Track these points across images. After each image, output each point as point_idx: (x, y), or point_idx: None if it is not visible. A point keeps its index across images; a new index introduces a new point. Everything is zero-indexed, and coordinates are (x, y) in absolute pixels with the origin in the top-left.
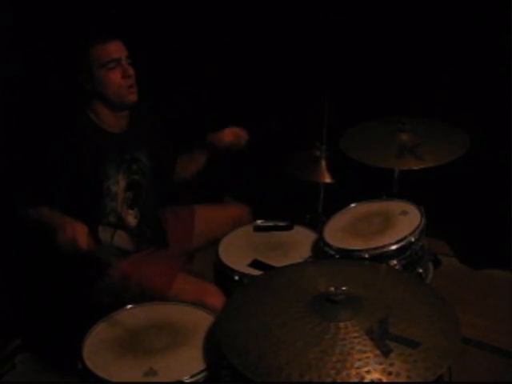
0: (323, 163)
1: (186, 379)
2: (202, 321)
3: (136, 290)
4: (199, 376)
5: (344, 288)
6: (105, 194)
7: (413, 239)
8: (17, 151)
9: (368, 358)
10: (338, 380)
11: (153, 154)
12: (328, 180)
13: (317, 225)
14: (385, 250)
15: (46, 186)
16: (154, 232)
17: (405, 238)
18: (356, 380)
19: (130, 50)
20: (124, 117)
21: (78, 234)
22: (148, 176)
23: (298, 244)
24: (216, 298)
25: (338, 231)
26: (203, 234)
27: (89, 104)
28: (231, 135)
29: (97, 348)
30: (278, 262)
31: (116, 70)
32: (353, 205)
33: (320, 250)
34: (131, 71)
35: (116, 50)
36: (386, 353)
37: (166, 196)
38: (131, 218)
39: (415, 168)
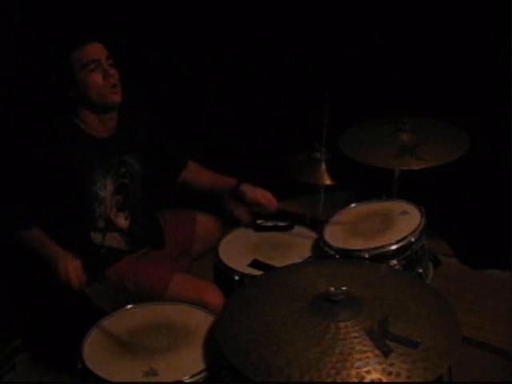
0: (323, 165)
1: (186, 379)
2: (202, 321)
3: (132, 291)
4: (199, 376)
5: (344, 288)
6: (92, 199)
7: (413, 239)
8: (2, 162)
9: (368, 358)
10: (338, 380)
11: (144, 156)
12: (328, 182)
13: (317, 225)
14: (385, 249)
15: (34, 197)
16: (147, 232)
17: (405, 237)
18: (356, 380)
19: (113, 51)
20: (111, 119)
21: (71, 272)
22: (137, 178)
23: (298, 244)
24: (214, 296)
25: (338, 231)
26: (202, 240)
27: (74, 111)
28: (265, 199)
29: (97, 348)
30: (278, 262)
31: (96, 71)
32: (353, 205)
33: (320, 250)
34: (112, 71)
35: (95, 51)
36: (386, 353)
37: (161, 196)
38: (122, 220)
39: (415, 168)
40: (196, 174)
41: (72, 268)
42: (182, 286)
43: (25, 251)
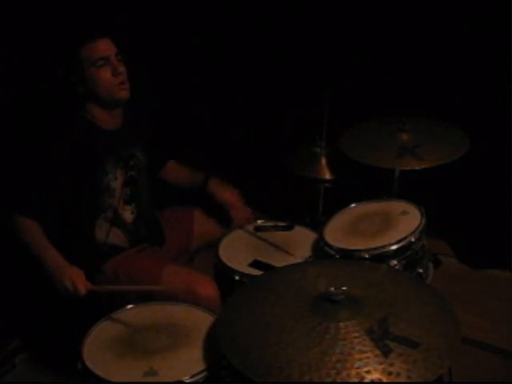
0: (323, 160)
1: (186, 379)
2: (202, 321)
3: (126, 283)
4: (199, 376)
5: (344, 288)
6: (104, 190)
7: (413, 239)
8: (12, 155)
9: (368, 358)
10: (338, 380)
11: (147, 150)
12: (327, 176)
13: (317, 225)
14: (385, 250)
15: (40, 188)
16: (149, 230)
17: (405, 238)
18: (356, 380)
19: (120, 47)
20: (118, 114)
21: (77, 282)
22: (143, 172)
23: (298, 244)
24: (207, 288)
25: (338, 231)
26: (201, 236)
27: (83, 106)
28: (233, 199)
29: (97, 348)
30: (278, 262)
31: (106, 67)
32: (353, 205)
33: (320, 249)
34: (121, 68)
35: (104, 47)
36: (386, 353)
37: (163, 193)
38: (128, 214)
39: (416, 168)
40: (175, 172)
41: (77, 278)
42: (174, 278)
43: (24, 250)
